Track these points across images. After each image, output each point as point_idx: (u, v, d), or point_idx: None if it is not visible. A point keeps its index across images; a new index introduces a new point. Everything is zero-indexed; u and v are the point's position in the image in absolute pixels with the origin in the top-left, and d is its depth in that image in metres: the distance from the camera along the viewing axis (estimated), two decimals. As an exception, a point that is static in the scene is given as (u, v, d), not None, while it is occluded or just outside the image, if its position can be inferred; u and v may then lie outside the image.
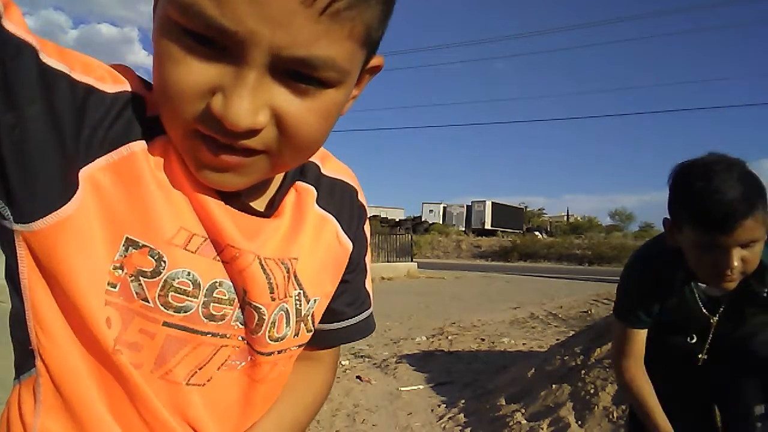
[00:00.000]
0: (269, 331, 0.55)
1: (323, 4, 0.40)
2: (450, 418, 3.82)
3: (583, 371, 3.69)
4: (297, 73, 0.43)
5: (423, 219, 40.20)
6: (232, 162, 0.46)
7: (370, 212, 0.66)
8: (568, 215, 50.77)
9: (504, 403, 3.83)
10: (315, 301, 0.59)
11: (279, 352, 0.56)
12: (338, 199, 0.63)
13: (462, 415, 3.84)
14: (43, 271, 0.45)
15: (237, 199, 0.52)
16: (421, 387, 4.60)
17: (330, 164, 0.64)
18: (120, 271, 0.47)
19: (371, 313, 0.71)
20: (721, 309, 1.24)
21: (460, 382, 4.68)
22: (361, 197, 0.67)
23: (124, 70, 0.50)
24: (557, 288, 13.80)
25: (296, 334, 0.58)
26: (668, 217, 1.19)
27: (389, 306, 9.64)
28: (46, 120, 0.42)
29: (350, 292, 0.66)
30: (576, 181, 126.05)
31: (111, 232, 0.46)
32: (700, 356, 1.27)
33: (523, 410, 3.60)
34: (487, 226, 37.85)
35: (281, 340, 0.56)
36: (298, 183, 0.59)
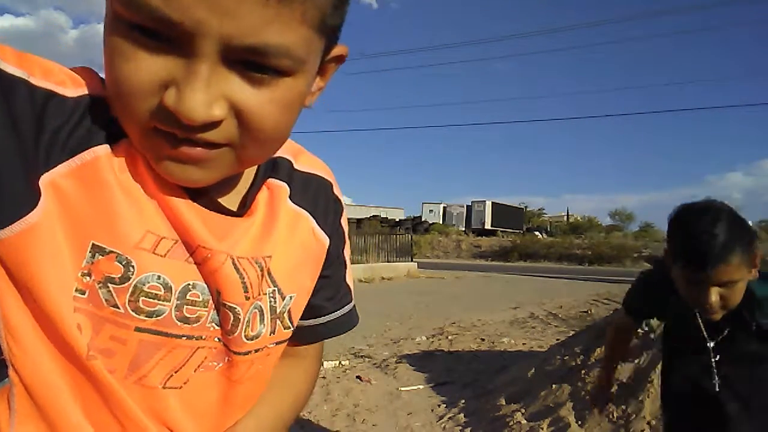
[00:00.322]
0: (245, 331, 0.54)
1: None
2: (450, 418, 3.82)
3: (583, 371, 3.69)
4: (251, 62, 0.42)
5: (423, 219, 40.16)
6: (194, 154, 0.45)
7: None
8: (568, 215, 50.74)
9: (504, 403, 3.83)
10: (291, 297, 0.58)
11: (256, 351, 0.56)
12: (312, 194, 0.62)
13: (462, 415, 3.84)
14: (13, 280, 0.44)
15: (207, 199, 0.51)
16: (421, 387, 4.60)
17: (303, 159, 0.63)
18: (88, 278, 0.46)
19: (353, 307, 0.71)
20: (722, 335, 1.38)
21: (460, 382, 4.68)
22: (337, 191, 0.66)
23: (87, 73, 0.49)
24: (557, 288, 13.80)
25: (272, 332, 0.57)
26: (666, 248, 1.37)
27: (389, 306, 9.64)
28: (6, 127, 0.41)
29: (329, 287, 0.66)
30: (576, 181, 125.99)
31: (76, 239, 0.45)
32: (714, 381, 1.40)
33: (523, 410, 3.60)
34: (487, 226, 37.81)
35: (256, 338, 0.55)
36: (270, 180, 0.58)
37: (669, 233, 1.33)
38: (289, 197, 0.59)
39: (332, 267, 0.65)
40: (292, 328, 0.60)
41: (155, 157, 0.46)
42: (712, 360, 1.39)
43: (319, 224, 0.62)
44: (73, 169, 0.45)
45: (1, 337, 0.45)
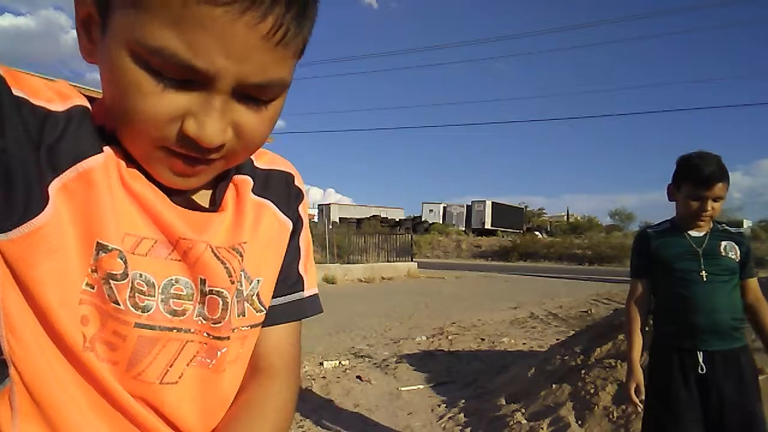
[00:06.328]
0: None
1: (279, 37, 0.47)
2: (450, 418, 3.82)
3: (583, 371, 3.69)
4: (254, 94, 0.50)
5: (423, 219, 40.18)
6: (199, 169, 0.52)
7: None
8: (568, 215, 50.75)
9: (504, 403, 3.83)
10: (258, 281, 0.62)
11: (233, 331, 0.59)
12: (274, 186, 0.67)
13: (462, 415, 3.84)
14: (15, 278, 0.47)
15: (183, 198, 0.57)
16: (421, 387, 4.61)
17: (263, 158, 0.68)
18: (95, 274, 0.50)
19: (305, 298, 0.69)
20: (705, 242, 2.04)
21: (460, 382, 4.68)
22: (298, 182, 0.70)
23: (65, 86, 0.53)
24: (557, 288, 13.81)
25: (242, 314, 0.60)
26: (671, 183, 2.07)
27: (389, 306, 9.65)
28: (21, 140, 0.46)
29: (281, 268, 0.66)
30: (576, 181, 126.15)
31: (86, 237, 0.50)
32: (702, 273, 1.99)
33: (523, 410, 3.60)
34: (487, 226, 37.83)
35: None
36: (235, 176, 0.63)
37: (679, 170, 2.02)
38: (252, 190, 0.64)
39: (287, 249, 0.67)
40: (264, 311, 0.63)
41: (160, 170, 0.52)
42: (701, 258, 2.00)
43: (281, 210, 0.66)
44: (80, 174, 0.50)
45: (2, 335, 0.47)
